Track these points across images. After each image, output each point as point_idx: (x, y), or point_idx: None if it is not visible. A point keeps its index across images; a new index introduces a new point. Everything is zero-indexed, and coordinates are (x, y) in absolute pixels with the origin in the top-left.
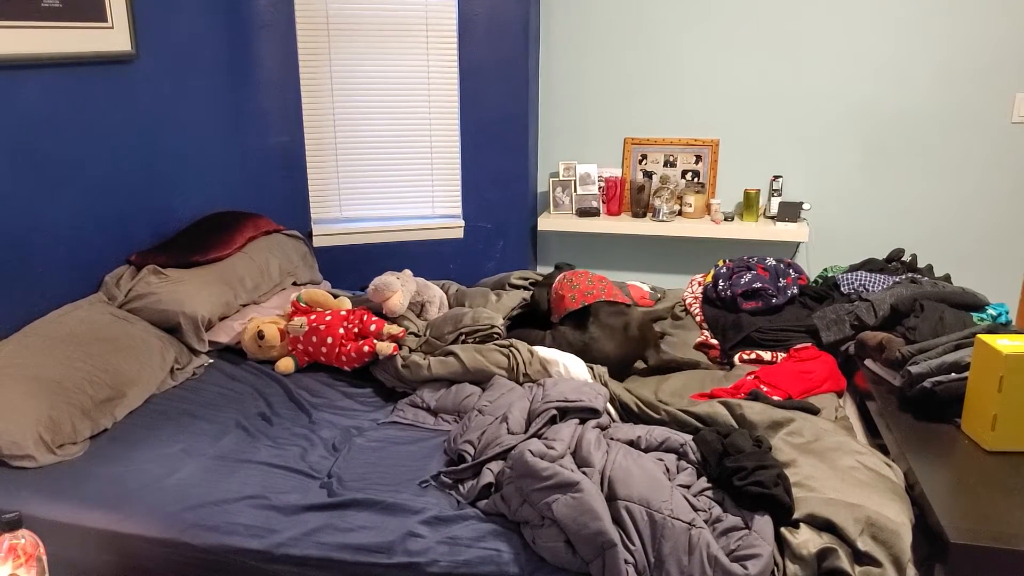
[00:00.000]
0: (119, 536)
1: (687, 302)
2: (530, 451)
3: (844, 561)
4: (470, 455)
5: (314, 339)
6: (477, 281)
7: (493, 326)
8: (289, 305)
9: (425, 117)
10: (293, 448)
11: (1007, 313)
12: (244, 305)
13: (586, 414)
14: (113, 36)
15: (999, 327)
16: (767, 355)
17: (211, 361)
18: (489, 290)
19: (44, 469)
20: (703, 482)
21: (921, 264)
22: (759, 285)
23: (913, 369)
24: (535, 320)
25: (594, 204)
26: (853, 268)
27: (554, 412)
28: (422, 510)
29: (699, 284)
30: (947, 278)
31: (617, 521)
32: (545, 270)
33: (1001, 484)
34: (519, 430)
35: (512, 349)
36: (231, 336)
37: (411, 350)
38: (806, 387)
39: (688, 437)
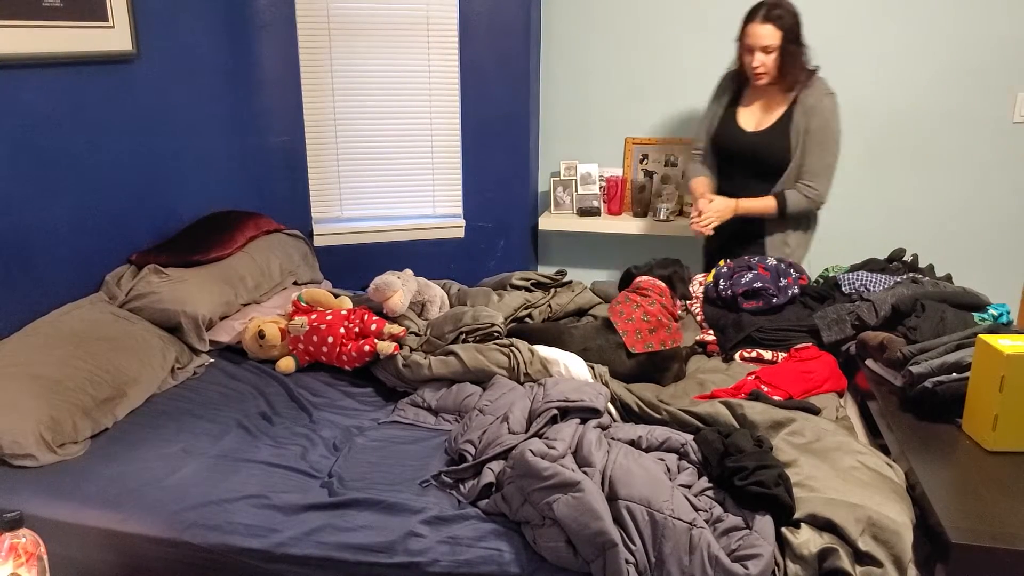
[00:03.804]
0: (120, 535)
1: (688, 302)
2: (531, 451)
3: (845, 561)
4: (471, 455)
5: (315, 338)
6: (478, 280)
7: (493, 324)
8: (290, 304)
9: (426, 116)
10: (294, 447)
11: (1008, 313)
12: (245, 304)
13: (587, 414)
14: (114, 36)
15: (1000, 327)
16: (768, 354)
17: (212, 360)
18: (491, 290)
19: (45, 468)
20: (704, 482)
21: (922, 264)
22: (760, 285)
23: (914, 369)
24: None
25: (595, 204)
26: (854, 268)
27: (555, 412)
28: (423, 510)
29: (700, 284)
30: (948, 278)
31: (618, 521)
32: (546, 270)
33: (1002, 484)
34: (520, 430)
35: (513, 349)
36: (232, 335)
37: (412, 349)
38: (807, 387)
39: (689, 437)
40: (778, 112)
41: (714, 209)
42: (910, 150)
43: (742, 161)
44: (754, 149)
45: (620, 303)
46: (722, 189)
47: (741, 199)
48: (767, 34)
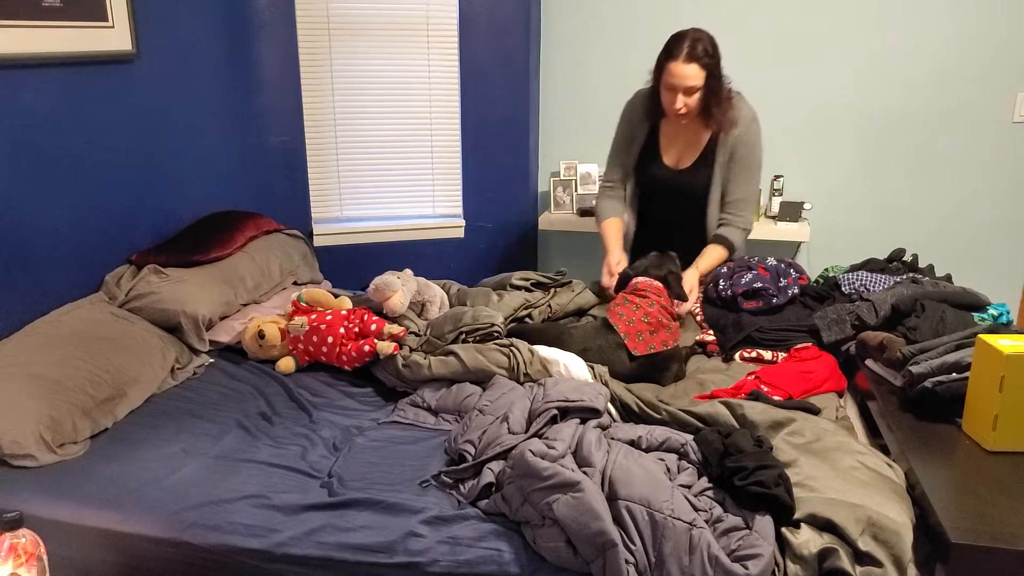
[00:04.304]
0: (120, 535)
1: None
2: (531, 451)
3: (845, 561)
4: (471, 455)
5: (315, 338)
6: (478, 280)
7: (493, 324)
8: (290, 305)
9: (426, 116)
10: (294, 447)
11: (1008, 313)
12: (245, 304)
13: (587, 414)
14: (114, 35)
15: (1000, 327)
16: (768, 354)
17: (212, 360)
18: (491, 290)
19: (45, 468)
20: (704, 482)
21: (922, 264)
22: (760, 285)
23: (914, 369)
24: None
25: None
26: (854, 268)
27: (555, 412)
28: (423, 510)
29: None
30: (948, 278)
31: (618, 521)
32: (546, 270)
33: (1002, 484)
34: (520, 430)
35: (513, 349)
36: (232, 335)
37: (412, 349)
38: (807, 387)
39: (689, 437)
40: (701, 143)
41: (695, 295)
42: (910, 150)
43: (664, 196)
44: (680, 185)
45: (619, 305)
46: (641, 222)
47: (700, 265)
48: (692, 75)
